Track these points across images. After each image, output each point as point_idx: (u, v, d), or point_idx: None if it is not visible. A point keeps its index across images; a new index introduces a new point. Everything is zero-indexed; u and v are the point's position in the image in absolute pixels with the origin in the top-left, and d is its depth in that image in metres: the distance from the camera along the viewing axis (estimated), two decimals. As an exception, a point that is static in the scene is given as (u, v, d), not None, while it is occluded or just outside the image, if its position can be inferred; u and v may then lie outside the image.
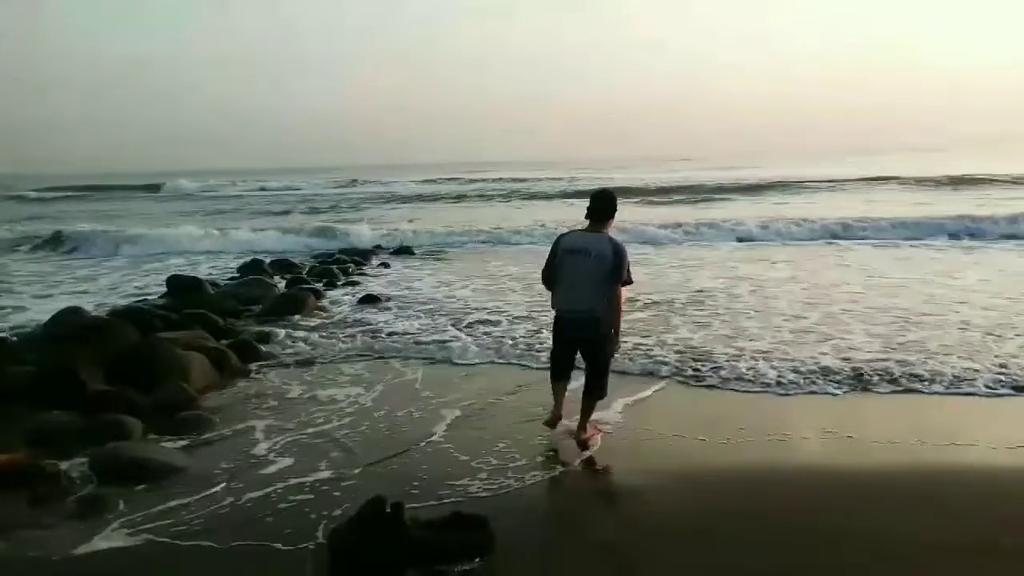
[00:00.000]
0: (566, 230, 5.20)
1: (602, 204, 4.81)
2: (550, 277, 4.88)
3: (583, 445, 4.77)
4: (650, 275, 11.09)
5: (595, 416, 4.96)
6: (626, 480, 4.35)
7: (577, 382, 5.01)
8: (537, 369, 6.35)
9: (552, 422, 4.95)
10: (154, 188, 46.72)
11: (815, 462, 4.52)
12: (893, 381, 5.88)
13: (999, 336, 7.07)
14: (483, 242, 16.87)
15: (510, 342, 7.34)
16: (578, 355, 4.98)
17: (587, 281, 4.67)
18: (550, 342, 5.18)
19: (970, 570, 3.29)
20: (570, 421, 4.95)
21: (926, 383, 5.82)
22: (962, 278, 10.44)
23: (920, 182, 30.36)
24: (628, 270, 4.72)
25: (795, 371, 6.15)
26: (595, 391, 4.85)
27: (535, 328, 7.86)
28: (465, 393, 5.86)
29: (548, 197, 31.91)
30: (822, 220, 17.03)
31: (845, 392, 5.75)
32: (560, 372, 5.00)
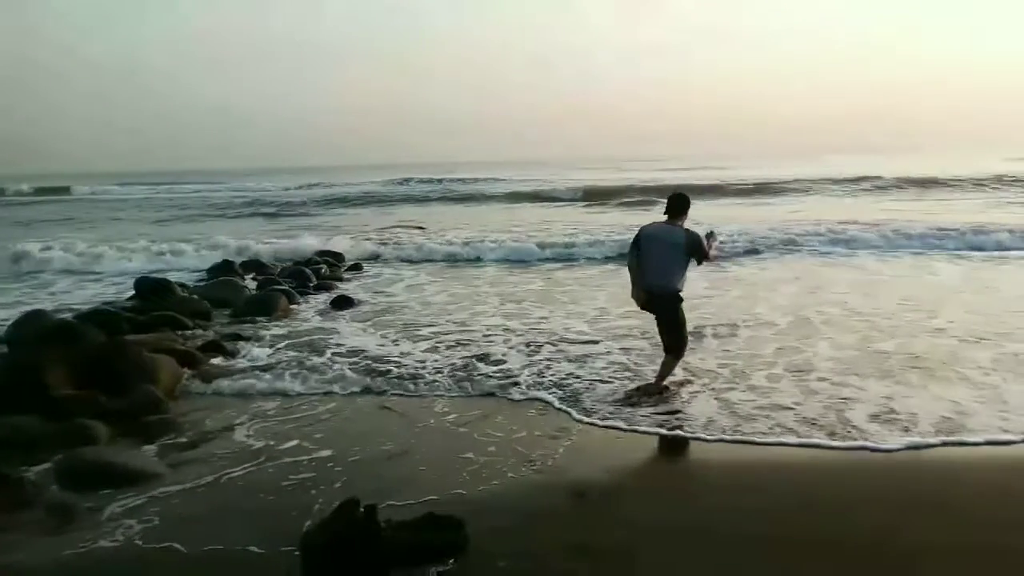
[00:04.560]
0: (647, 223, 6.14)
1: (676, 203, 5.96)
2: (634, 261, 5.95)
3: (658, 391, 5.78)
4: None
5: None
6: (604, 480, 4.36)
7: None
8: (503, 398, 5.92)
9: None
10: (64, 191, 46.16)
11: (814, 461, 4.52)
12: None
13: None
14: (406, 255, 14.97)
15: (480, 367, 6.71)
16: None
17: (661, 264, 5.78)
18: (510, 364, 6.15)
19: (970, 570, 3.30)
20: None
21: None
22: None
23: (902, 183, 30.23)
24: (704, 249, 5.80)
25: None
26: (673, 349, 5.90)
27: (504, 345, 7.45)
28: (439, 405, 5.83)
29: (520, 198, 31.45)
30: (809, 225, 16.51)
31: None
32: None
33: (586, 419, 5.32)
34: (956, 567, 3.32)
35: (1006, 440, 4.69)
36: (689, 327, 6.13)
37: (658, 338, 6.04)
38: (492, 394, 5.97)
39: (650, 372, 6.22)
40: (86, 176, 76.80)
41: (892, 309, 8.56)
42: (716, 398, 5.67)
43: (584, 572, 3.35)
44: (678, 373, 6.08)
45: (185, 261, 14.66)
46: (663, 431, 5.06)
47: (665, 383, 5.89)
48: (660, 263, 5.80)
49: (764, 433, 4.92)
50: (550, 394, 5.87)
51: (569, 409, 5.54)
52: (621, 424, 5.20)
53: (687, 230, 5.86)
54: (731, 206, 24.27)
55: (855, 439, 4.76)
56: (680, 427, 5.11)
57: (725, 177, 37.13)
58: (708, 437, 4.92)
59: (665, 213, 6.01)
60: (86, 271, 13.92)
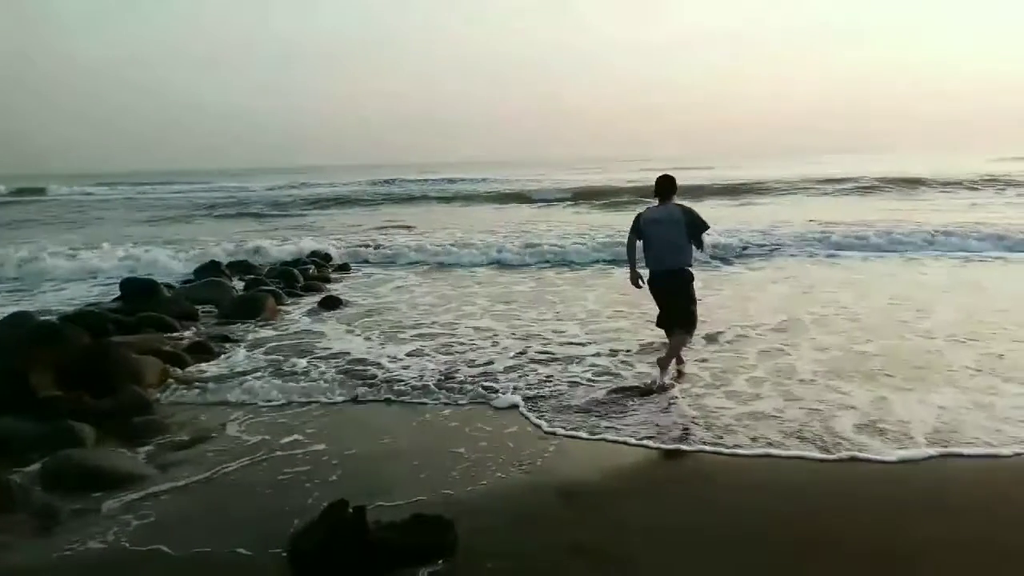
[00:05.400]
0: (643, 208, 6.41)
1: (665, 184, 6.25)
2: (632, 246, 6.26)
3: (663, 386, 5.88)
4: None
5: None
6: (594, 480, 4.35)
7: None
8: (489, 401, 5.80)
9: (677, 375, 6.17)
10: (39, 191, 46.00)
11: (813, 460, 4.49)
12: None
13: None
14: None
15: (466, 370, 6.61)
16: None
17: (669, 243, 6.00)
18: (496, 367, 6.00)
19: (970, 570, 3.29)
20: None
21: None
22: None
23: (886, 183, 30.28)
24: (701, 219, 6.04)
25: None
26: (686, 325, 6.12)
27: (489, 351, 7.30)
28: (426, 408, 5.82)
29: (509, 199, 31.37)
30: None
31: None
32: (668, 325, 6.23)
33: (546, 426, 5.16)
34: (955, 568, 3.33)
35: (1004, 454, 4.52)
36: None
37: (647, 339, 6.03)
38: (478, 396, 5.90)
39: (633, 377, 6.22)
40: (68, 177, 76.13)
41: (880, 311, 8.59)
42: (697, 404, 5.60)
43: (574, 572, 3.36)
44: (655, 373, 6.09)
45: (170, 262, 14.47)
46: (632, 440, 4.90)
47: (670, 376, 5.99)
48: (668, 243, 6.00)
49: (749, 444, 4.75)
50: (525, 401, 5.70)
51: (528, 414, 5.43)
52: (584, 434, 5.01)
53: (682, 206, 6.13)
54: (720, 207, 24.34)
55: (845, 451, 4.58)
56: (652, 437, 4.93)
57: (714, 177, 37.35)
58: (687, 448, 4.76)
59: (656, 196, 6.26)
60: (68, 273, 13.68)
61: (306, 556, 3.31)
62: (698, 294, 6.29)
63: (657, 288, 6.16)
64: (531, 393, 5.90)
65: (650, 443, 4.85)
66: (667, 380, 5.95)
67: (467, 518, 3.65)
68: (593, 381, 6.18)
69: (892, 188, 29.20)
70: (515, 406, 5.62)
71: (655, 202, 6.26)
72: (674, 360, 6.22)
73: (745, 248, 14.08)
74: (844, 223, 16.49)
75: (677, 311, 6.12)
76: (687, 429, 5.05)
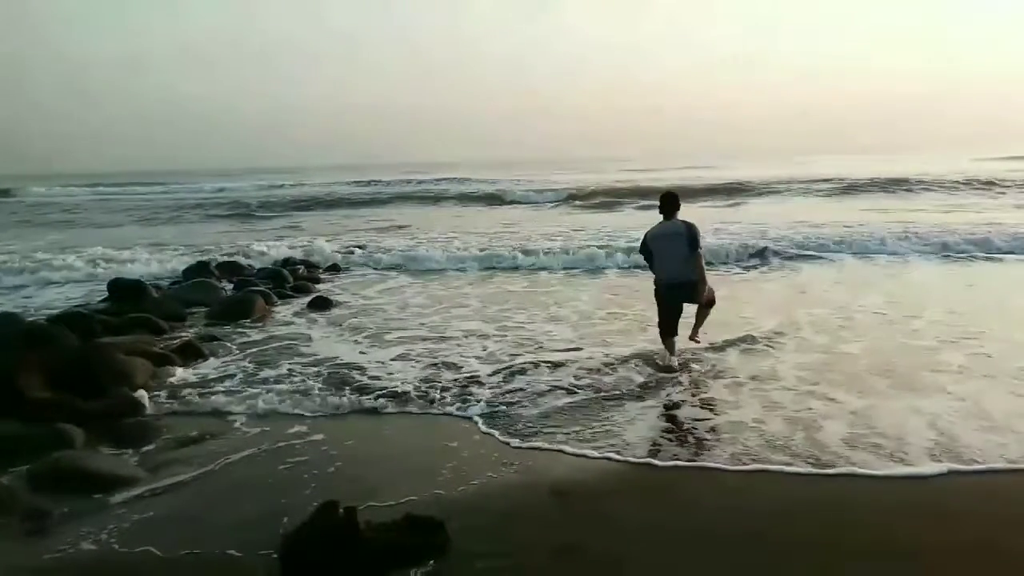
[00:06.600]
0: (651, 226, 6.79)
1: (669, 200, 6.69)
2: (646, 257, 6.80)
3: (693, 339, 6.80)
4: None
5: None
6: (585, 479, 4.36)
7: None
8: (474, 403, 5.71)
9: (668, 369, 6.44)
10: (22, 192, 46.49)
11: (813, 460, 4.47)
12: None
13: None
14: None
15: (453, 374, 6.52)
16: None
17: (674, 257, 6.47)
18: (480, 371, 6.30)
19: (970, 571, 3.29)
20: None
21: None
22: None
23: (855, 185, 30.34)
24: (698, 237, 6.44)
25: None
26: (708, 302, 6.71)
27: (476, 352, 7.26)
28: (414, 409, 5.82)
29: (500, 199, 31.25)
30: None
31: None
32: (668, 331, 6.65)
33: (500, 437, 5.00)
34: (957, 566, 3.33)
35: (1007, 468, 4.32)
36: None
37: (638, 345, 6.08)
38: (462, 402, 5.77)
39: (608, 381, 6.15)
40: (51, 177, 75.47)
41: (872, 313, 8.56)
42: (690, 407, 5.60)
43: (565, 572, 3.37)
44: (639, 379, 6.18)
45: (158, 263, 14.37)
46: (594, 453, 4.71)
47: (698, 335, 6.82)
48: (672, 257, 6.48)
49: (739, 458, 4.55)
50: (507, 406, 5.60)
51: (476, 418, 5.38)
52: (542, 444, 4.86)
53: (684, 221, 6.55)
54: (709, 208, 24.45)
55: (838, 466, 4.38)
56: (620, 451, 4.73)
57: (702, 178, 37.45)
58: (660, 464, 4.54)
59: (661, 212, 6.69)
60: (52, 274, 13.45)
61: (297, 558, 3.30)
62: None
63: (664, 300, 6.62)
64: (514, 399, 5.78)
65: (634, 450, 4.77)
66: (676, 361, 6.51)
67: (459, 517, 3.66)
68: (579, 387, 6.02)
69: (878, 188, 29.33)
70: (493, 413, 5.51)
71: (660, 218, 6.67)
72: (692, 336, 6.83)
73: (737, 249, 14.05)
74: (831, 224, 16.60)
75: (699, 302, 6.70)
76: (664, 441, 4.94)
